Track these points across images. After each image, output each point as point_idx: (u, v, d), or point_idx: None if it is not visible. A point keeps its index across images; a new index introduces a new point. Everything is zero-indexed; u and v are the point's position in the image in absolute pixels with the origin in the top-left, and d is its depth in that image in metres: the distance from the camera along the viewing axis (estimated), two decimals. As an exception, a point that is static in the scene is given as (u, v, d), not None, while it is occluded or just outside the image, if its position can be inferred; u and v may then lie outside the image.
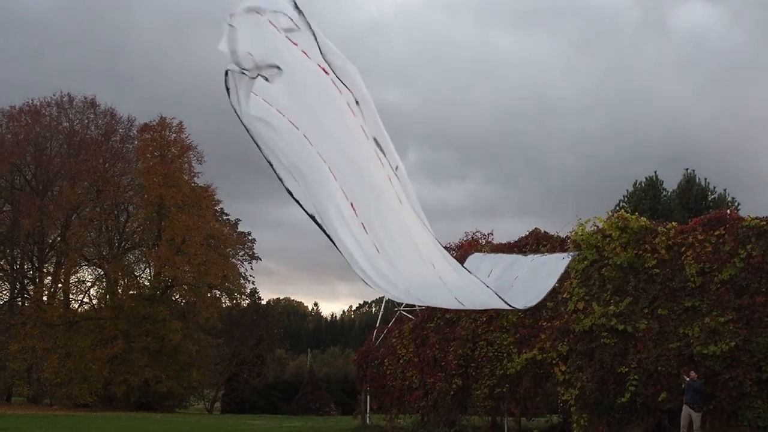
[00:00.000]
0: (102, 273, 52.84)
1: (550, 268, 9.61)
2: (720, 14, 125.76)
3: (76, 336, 48.11)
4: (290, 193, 4.94)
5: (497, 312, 22.99)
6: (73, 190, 50.13)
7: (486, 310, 22.30)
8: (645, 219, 22.46)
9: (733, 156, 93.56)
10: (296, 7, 4.89)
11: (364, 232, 5.15)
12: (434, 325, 26.52)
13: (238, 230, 59.27)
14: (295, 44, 4.93)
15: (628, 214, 22.23)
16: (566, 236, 23.43)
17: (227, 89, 4.84)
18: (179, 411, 52.09)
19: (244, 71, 4.83)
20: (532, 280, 8.77)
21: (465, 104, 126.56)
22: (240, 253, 58.87)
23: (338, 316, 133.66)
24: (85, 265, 53.47)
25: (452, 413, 25.50)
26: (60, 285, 52.40)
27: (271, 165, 4.96)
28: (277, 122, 4.89)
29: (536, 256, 8.85)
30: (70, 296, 52.98)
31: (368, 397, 29.36)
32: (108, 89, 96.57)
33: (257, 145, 4.89)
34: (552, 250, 22.22)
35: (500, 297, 6.18)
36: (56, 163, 52.20)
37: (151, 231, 53.14)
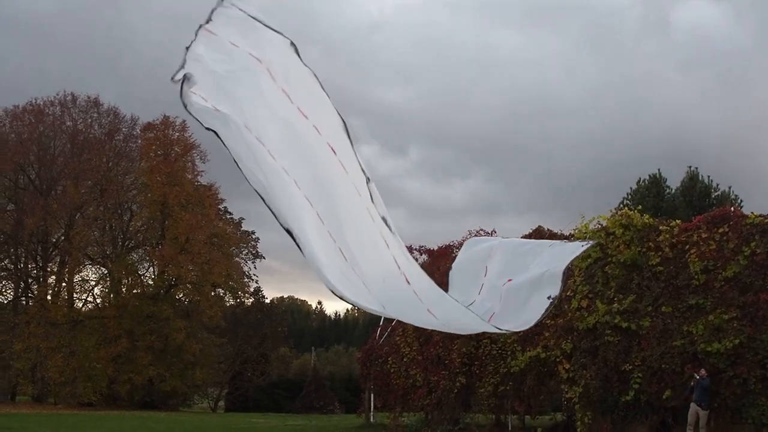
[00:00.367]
0: (106, 272, 52.93)
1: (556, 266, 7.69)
2: (722, 12, 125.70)
3: (80, 335, 48.18)
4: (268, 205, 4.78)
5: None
6: (76, 189, 50.19)
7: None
8: (649, 217, 22.43)
9: (736, 153, 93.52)
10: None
11: (331, 240, 4.99)
12: (438, 323, 26.45)
13: (242, 229, 59.32)
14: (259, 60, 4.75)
15: (632, 212, 22.20)
16: (570, 234, 23.39)
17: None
18: (183, 410, 52.16)
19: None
20: (536, 284, 7.50)
21: (466, 103, 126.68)
22: (243, 252, 58.94)
23: (342, 315, 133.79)
24: (89, 265, 53.58)
25: (456, 411, 25.51)
26: (64, 284, 52.50)
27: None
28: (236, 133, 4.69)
29: (550, 244, 7.39)
30: (74, 295, 53.06)
31: (372, 395, 29.38)
32: (110, 89, 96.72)
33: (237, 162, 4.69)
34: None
35: (487, 321, 5.96)
36: (60, 163, 52.25)
37: (154, 230, 53.20)
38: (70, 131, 52.77)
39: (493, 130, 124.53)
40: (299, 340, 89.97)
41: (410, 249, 30.27)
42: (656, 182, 44.47)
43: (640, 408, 20.75)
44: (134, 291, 52.05)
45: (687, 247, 20.51)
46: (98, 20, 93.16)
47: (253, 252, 59.81)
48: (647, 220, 21.78)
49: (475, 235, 28.68)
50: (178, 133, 52.60)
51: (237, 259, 57.17)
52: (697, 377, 19.08)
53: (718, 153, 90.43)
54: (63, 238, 51.93)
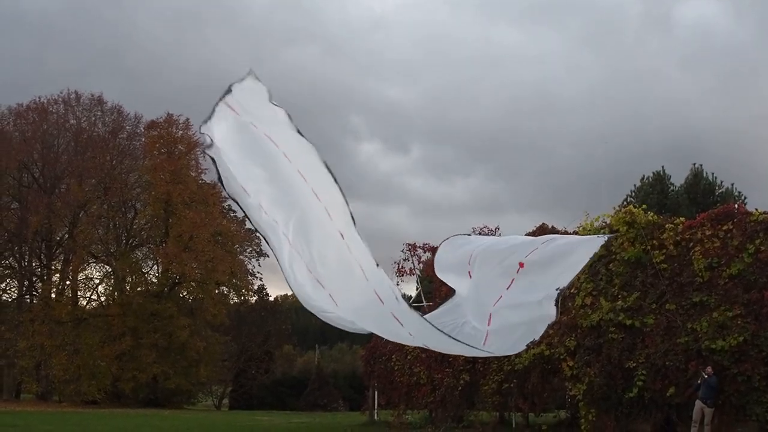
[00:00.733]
0: (110, 270, 53.04)
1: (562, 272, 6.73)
2: (723, 9, 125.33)
3: (84, 333, 48.27)
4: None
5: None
6: (80, 187, 50.27)
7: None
8: (653, 214, 22.39)
9: (740, 150, 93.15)
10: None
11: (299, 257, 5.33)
12: (442, 320, 26.44)
13: (246, 227, 59.32)
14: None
15: (636, 209, 22.16)
16: (574, 231, 23.36)
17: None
18: (187, 407, 52.23)
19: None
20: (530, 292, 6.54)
21: (468, 100, 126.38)
22: (247, 250, 58.95)
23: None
24: (93, 263, 53.69)
25: (460, 409, 25.50)
26: (68, 282, 52.59)
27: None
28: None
29: (543, 241, 6.43)
30: (78, 293, 53.20)
31: (376, 393, 29.39)
32: (113, 87, 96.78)
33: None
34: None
35: (468, 344, 5.86)
36: (63, 161, 52.35)
37: (158, 228, 53.28)
38: (74, 129, 52.85)
39: (495, 128, 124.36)
40: (303, 337, 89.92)
41: (414, 247, 30.30)
42: (660, 179, 44.37)
43: (644, 405, 20.73)
44: (138, 289, 52.14)
45: (691, 244, 20.47)
46: (101, 17, 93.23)
47: (257, 250, 59.80)
48: (651, 218, 21.74)
49: (479, 233, 28.68)
50: (181, 131, 52.71)
51: (241, 256, 57.21)
52: (705, 376, 19.03)
53: (722, 150, 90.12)
54: (67, 236, 52.02)
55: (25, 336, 46.91)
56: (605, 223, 22.46)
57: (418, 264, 29.79)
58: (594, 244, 6.33)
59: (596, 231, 22.02)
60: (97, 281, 54.44)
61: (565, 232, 23.98)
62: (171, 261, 49.56)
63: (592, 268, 21.99)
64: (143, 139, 53.78)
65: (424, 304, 28.34)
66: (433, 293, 27.81)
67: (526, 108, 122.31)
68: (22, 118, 52.38)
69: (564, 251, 6.44)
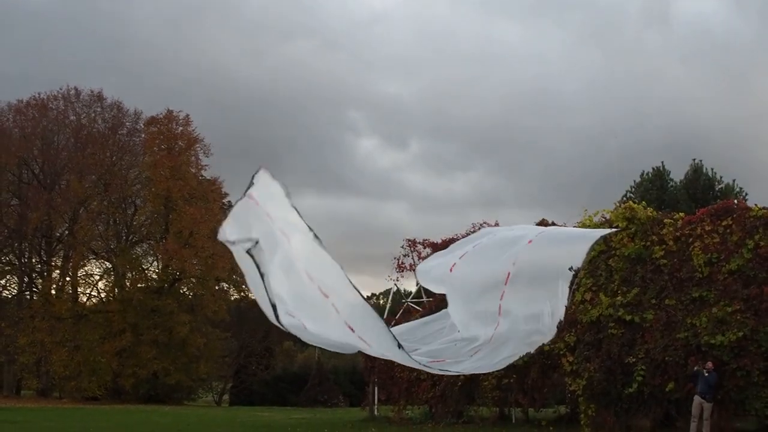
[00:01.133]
0: (110, 266, 53.05)
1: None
2: (723, 5, 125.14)
3: (84, 329, 48.31)
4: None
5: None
6: (80, 183, 50.27)
7: None
8: (652, 210, 22.43)
9: (740, 146, 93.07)
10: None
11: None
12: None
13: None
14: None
15: (636, 205, 22.20)
16: (574, 227, 23.36)
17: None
18: (188, 403, 52.28)
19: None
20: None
21: (467, 96, 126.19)
22: (248, 246, 58.95)
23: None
24: (93, 259, 53.72)
25: (460, 404, 25.56)
26: (68, 278, 52.61)
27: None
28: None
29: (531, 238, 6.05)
30: (79, 290, 53.23)
31: (376, 388, 29.42)
32: (113, 83, 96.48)
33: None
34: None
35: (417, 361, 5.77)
36: (63, 157, 52.34)
37: (158, 224, 53.30)
38: (74, 126, 52.82)
39: (495, 123, 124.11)
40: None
41: (414, 243, 30.32)
42: (660, 175, 44.40)
43: (644, 400, 20.78)
44: (138, 285, 52.11)
45: (690, 240, 20.51)
46: (98, 10, 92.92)
47: (258, 246, 59.89)
48: (651, 213, 21.78)
49: (480, 227, 28.67)
50: (181, 128, 52.69)
51: (241, 253, 57.16)
52: (705, 373, 19.05)
53: (722, 146, 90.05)
54: (67, 232, 52.03)
55: (26, 332, 46.93)
56: (604, 218, 22.50)
57: (419, 260, 29.77)
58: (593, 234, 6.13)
59: (595, 227, 22.04)
60: (97, 277, 54.54)
61: (565, 227, 23.98)
62: (171, 257, 49.59)
63: (591, 264, 22.03)
64: (143, 136, 53.77)
65: (425, 300, 28.37)
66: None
67: (527, 104, 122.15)
68: (22, 114, 52.36)
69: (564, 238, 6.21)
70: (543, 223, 25.06)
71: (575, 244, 5.76)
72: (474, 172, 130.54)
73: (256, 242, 4.78)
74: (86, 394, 46.27)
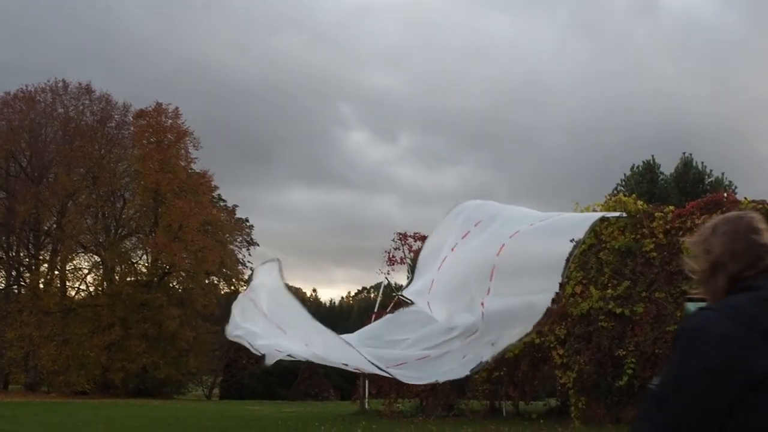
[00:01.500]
0: (99, 260, 52.86)
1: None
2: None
3: (72, 323, 48.13)
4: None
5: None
6: (68, 176, 50.04)
7: None
8: (643, 203, 22.43)
9: (729, 139, 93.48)
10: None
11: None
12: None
13: (236, 216, 59.24)
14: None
15: (626, 198, 22.19)
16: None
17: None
18: (177, 397, 52.17)
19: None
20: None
21: (458, 88, 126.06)
22: (238, 239, 58.88)
23: (336, 302, 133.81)
24: (82, 252, 53.49)
25: (450, 397, 25.54)
26: (56, 272, 52.41)
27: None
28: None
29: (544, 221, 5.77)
30: (67, 283, 53.00)
31: (367, 382, 29.36)
32: (100, 75, 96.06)
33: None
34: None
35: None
36: (51, 150, 52.07)
37: (147, 217, 53.13)
38: (62, 118, 52.57)
39: (485, 117, 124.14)
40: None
41: (405, 236, 30.27)
42: (650, 168, 44.54)
43: (634, 393, 20.79)
44: (127, 279, 51.98)
45: (681, 233, 20.52)
46: (86, 2, 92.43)
47: (248, 239, 59.79)
48: (641, 206, 21.77)
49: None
50: (171, 120, 52.50)
51: (231, 246, 57.12)
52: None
53: (712, 136, 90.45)
54: (55, 226, 51.82)
55: (13, 326, 46.71)
56: (595, 212, 22.47)
57: (409, 253, 29.74)
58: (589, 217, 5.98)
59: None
60: (85, 271, 54.33)
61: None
62: (160, 251, 49.42)
63: (582, 257, 22.03)
64: (132, 128, 53.55)
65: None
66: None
67: (517, 96, 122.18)
68: (9, 106, 52.04)
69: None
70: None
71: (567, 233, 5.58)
72: (464, 165, 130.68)
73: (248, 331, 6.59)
74: (75, 389, 46.09)
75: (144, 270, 53.56)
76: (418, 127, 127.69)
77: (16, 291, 52.64)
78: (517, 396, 25.71)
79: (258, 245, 61.04)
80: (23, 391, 49.03)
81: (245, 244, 59.46)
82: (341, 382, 52.94)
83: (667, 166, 45.10)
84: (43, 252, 53.51)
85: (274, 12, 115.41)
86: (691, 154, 43.90)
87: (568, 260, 5.12)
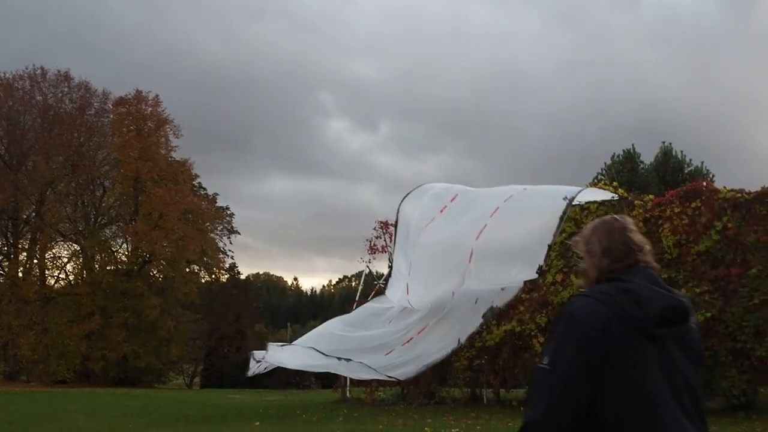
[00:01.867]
0: (78, 248, 52.53)
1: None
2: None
3: (52, 312, 47.85)
4: None
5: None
6: (47, 165, 49.66)
7: None
8: (623, 191, 22.55)
9: (708, 128, 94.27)
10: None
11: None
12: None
13: (217, 205, 59.02)
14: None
15: (607, 187, 22.29)
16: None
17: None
18: (158, 386, 52.06)
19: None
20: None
21: (438, 77, 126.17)
22: (218, 228, 58.69)
23: (318, 291, 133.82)
24: (61, 241, 53.13)
25: (432, 386, 25.63)
26: (35, 261, 52.04)
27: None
28: None
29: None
30: (46, 272, 52.64)
31: (348, 370, 29.37)
32: (79, 61, 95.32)
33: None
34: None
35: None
36: (30, 138, 51.61)
37: (127, 206, 52.84)
38: (41, 106, 52.11)
39: (465, 105, 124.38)
40: (275, 316, 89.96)
41: (386, 224, 30.30)
42: (630, 157, 44.75)
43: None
44: (107, 267, 51.70)
45: (660, 221, 20.66)
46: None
47: (228, 228, 59.61)
48: (621, 195, 21.89)
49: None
50: (150, 108, 52.16)
51: (212, 234, 56.95)
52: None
53: (691, 128, 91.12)
54: (34, 214, 51.40)
55: (-8, 316, 46.40)
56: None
57: (390, 242, 29.77)
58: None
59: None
60: (65, 260, 54.00)
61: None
62: (141, 239, 49.19)
63: (563, 245, 22.15)
64: (111, 116, 53.15)
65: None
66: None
67: (497, 85, 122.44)
68: (-13, 94, 51.53)
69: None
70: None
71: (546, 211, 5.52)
72: (444, 154, 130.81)
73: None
74: (54, 378, 45.87)
75: (124, 258, 53.31)
76: (398, 116, 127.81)
77: (-6, 280, 52.24)
78: (497, 384, 25.80)
79: (239, 234, 60.95)
80: (2, 381, 48.68)
81: (226, 232, 59.34)
82: (322, 371, 52.93)
83: (647, 155, 45.41)
84: (21, 240, 53.10)
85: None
86: (670, 144, 44.20)
87: (562, 218, 5.09)
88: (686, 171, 42.75)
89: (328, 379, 45.72)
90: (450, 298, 5.57)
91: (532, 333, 22.32)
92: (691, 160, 43.62)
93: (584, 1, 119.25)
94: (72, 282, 52.96)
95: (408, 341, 5.78)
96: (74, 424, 17.66)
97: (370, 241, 30.49)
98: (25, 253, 52.54)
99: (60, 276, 54.02)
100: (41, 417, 19.92)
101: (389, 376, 5.72)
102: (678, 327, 2.99)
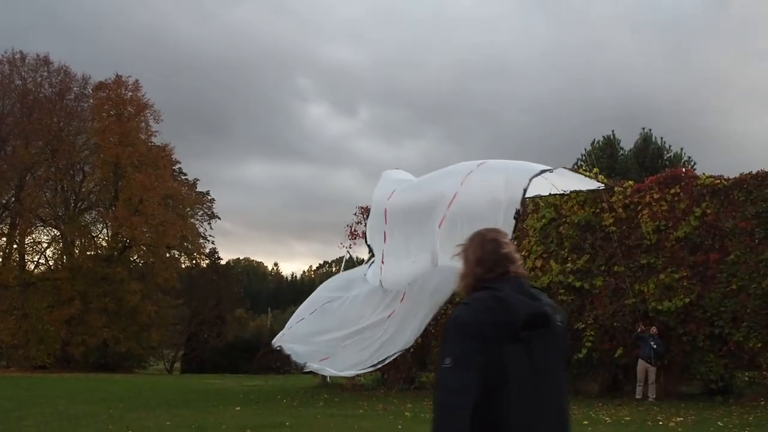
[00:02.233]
0: (58, 234, 52.21)
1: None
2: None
3: (32, 297, 47.60)
4: None
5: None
6: (26, 149, 49.29)
7: None
8: (603, 178, 22.67)
9: (688, 114, 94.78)
10: None
11: None
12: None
13: (197, 190, 58.76)
14: None
15: (587, 173, 22.40)
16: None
17: None
18: (138, 371, 51.94)
19: None
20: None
21: (418, 62, 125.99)
22: (199, 213, 58.47)
23: (298, 276, 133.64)
24: (41, 226, 52.76)
25: (412, 371, 25.76)
26: (15, 246, 51.68)
27: None
28: None
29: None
30: (26, 257, 52.30)
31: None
32: (58, 45, 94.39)
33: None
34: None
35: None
36: (9, 123, 51.13)
37: (107, 191, 52.53)
38: (20, 90, 51.62)
39: (445, 90, 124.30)
40: (256, 301, 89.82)
41: (366, 210, 30.27)
42: (610, 144, 44.94)
43: (593, 365, 21.18)
44: (87, 253, 51.42)
45: (639, 207, 20.81)
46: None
47: (209, 213, 59.38)
48: (602, 181, 22.01)
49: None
50: (131, 93, 51.80)
51: (192, 220, 56.72)
52: (650, 339, 19.45)
53: (671, 114, 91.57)
54: (13, 199, 51.02)
55: (-29, 301, 46.12)
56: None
57: (371, 227, 29.80)
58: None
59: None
60: (45, 245, 53.61)
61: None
62: (121, 224, 48.95)
63: (542, 231, 22.28)
64: (91, 101, 52.72)
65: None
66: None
67: (477, 71, 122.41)
68: (-35, 78, 50.99)
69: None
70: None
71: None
72: (424, 139, 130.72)
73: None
74: (35, 363, 45.66)
75: (104, 244, 53.05)
76: (377, 101, 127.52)
77: (-27, 265, 51.84)
78: (478, 368, 26.00)
79: (219, 219, 60.74)
80: (-19, 366, 48.51)
81: (206, 217, 59.09)
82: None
83: (627, 142, 45.63)
84: (1, 226, 52.68)
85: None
86: (650, 130, 44.39)
87: (525, 189, 5.46)
88: (666, 157, 42.99)
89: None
90: (421, 273, 6.09)
91: (513, 318, 22.42)
92: (670, 146, 43.89)
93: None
94: (52, 267, 52.64)
95: (391, 314, 6.10)
96: (55, 409, 17.64)
97: (351, 227, 30.42)
98: (4, 239, 52.18)
99: (40, 261, 53.74)
100: (22, 402, 19.87)
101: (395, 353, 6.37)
102: (542, 330, 3.37)
